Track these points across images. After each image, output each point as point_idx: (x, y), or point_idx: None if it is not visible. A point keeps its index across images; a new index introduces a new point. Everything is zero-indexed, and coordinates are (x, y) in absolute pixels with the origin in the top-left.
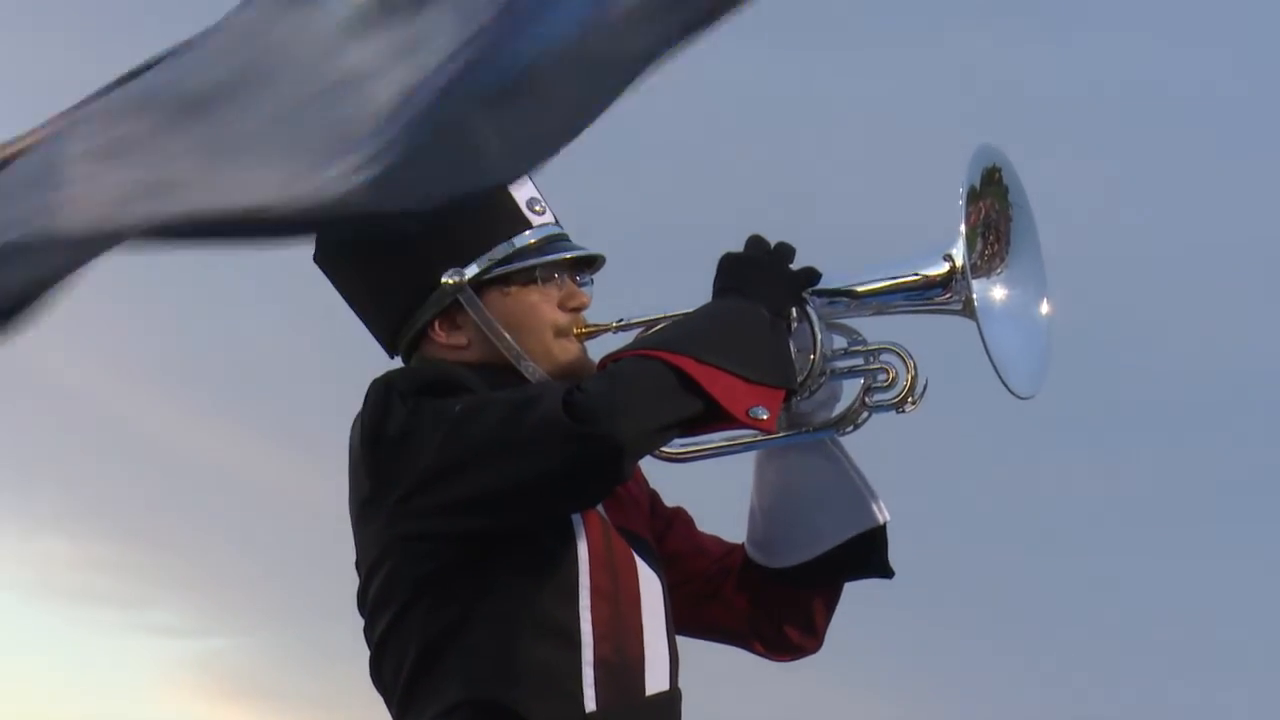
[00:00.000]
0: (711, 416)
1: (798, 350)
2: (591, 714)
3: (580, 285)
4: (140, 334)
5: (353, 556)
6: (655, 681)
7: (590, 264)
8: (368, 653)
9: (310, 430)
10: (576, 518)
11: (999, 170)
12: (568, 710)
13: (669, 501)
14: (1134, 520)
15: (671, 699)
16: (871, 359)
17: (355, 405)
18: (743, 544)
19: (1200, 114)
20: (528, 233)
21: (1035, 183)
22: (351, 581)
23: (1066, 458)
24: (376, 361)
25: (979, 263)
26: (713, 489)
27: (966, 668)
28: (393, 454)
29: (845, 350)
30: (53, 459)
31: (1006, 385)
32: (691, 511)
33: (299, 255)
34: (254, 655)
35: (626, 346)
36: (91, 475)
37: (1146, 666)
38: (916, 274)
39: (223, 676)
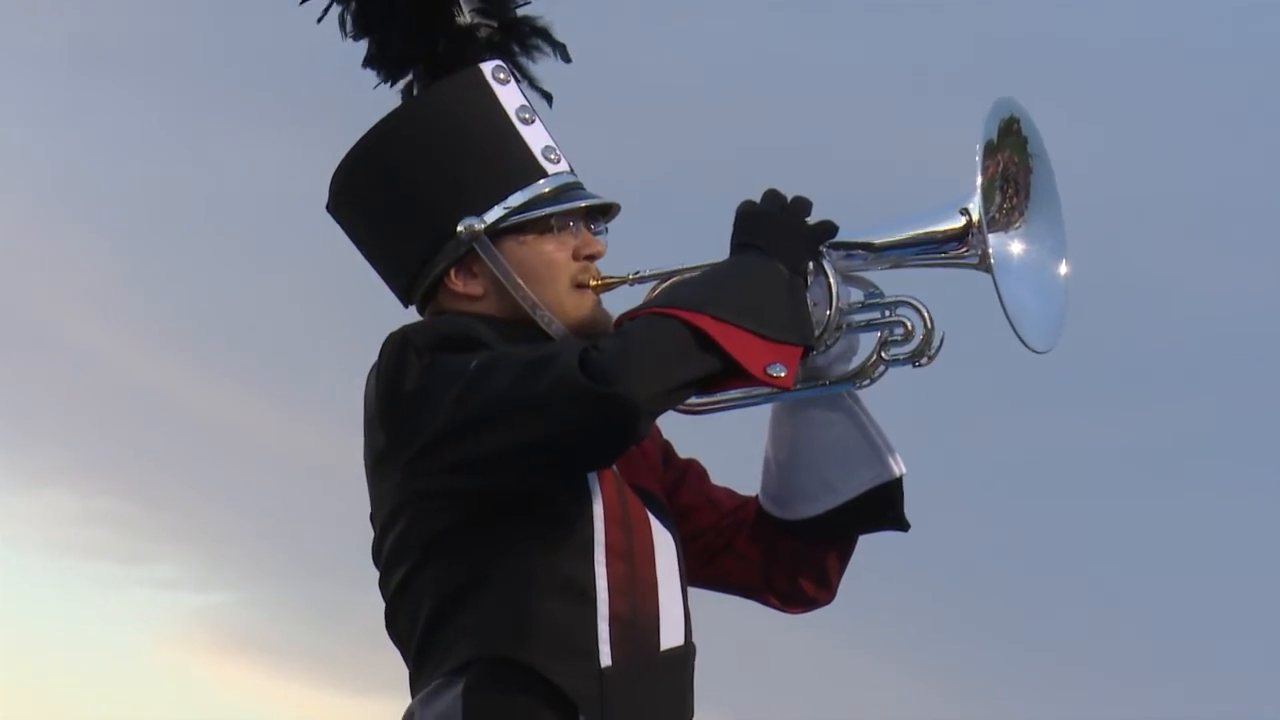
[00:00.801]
0: (729, 374)
1: (814, 304)
2: (606, 669)
3: (595, 234)
4: (146, 290)
5: (355, 511)
6: (670, 637)
7: (605, 213)
8: (380, 605)
9: (313, 386)
10: (591, 475)
11: (1017, 121)
12: (583, 666)
13: (682, 453)
14: (1151, 472)
15: (686, 654)
16: (888, 312)
17: (358, 362)
18: (756, 496)
19: (1214, 63)
20: (543, 181)
21: (1051, 135)
22: (353, 536)
23: (1084, 411)
24: (378, 319)
25: (997, 216)
26: (727, 440)
27: (978, 620)
28: (408, 410)
29: (862, 304)
30: (56, 413)
31: (1022, 339)
32: (705, 462)
33: (303, 211)
34: (256, 609)
35: (643, 304)
36: (95, 430)
37: (1165, 616)
38: (933, 228)
39: (225, 630)
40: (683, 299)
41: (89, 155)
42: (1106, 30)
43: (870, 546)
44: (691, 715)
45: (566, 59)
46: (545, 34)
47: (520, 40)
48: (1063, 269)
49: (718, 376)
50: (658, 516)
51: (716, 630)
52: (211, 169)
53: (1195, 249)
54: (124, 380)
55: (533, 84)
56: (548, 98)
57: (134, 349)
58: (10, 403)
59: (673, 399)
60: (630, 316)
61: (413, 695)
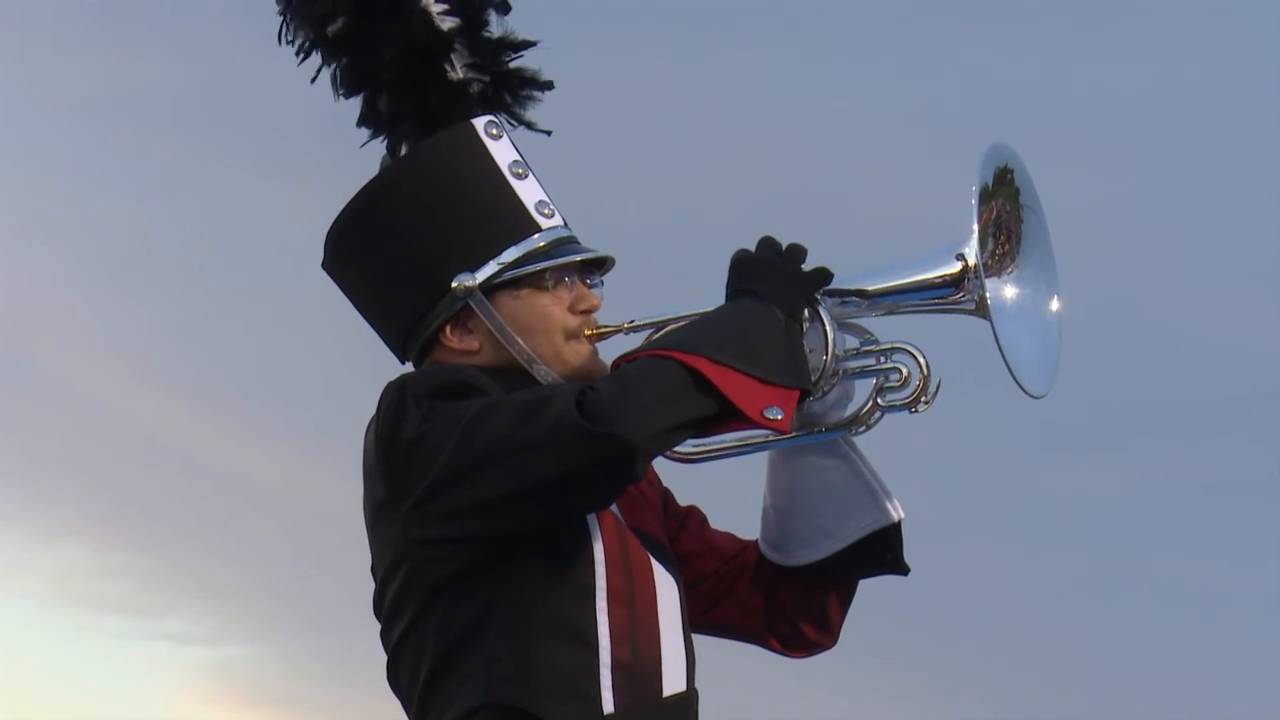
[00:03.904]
0: (726, 416)
1: (810, 350)
2: (609, 716)
3: (590, 287)
4: (162, 343)
5: (369, 563)
6: (672, 683)
7: (600, 265)
8: (384, 658)
9: (328, 439)
10: (592, 519)
11: (1011, 171)
12: (586, 713)
13: (682, 500)
14: (1144, 519)
15: (688, 700)
16: (884, 359)
17: (372, 412)
18: (756, 541)
19: (1215, 114)
20: (537, 236)
21: (1045, 182)
22: (368, 589)
23: (1078, 457)
24: (392, 368)
25: (990, 262)
26: (725, 487)
27: (978, 666)
28: (407, 458)
29: (858, 350)
30: (74, 466)
31: (1020, 384)
32: (704, 510)
33: (317, 267)
34: (271, 663)
35: (640, 347)
36: (111, 484)
37: (1156, 663)
38: (929, 273)
39: (240, 684)
40: (679, 341)
41: (107, 207)
42: (1126, 78)
43: (872, 591)
44: None
45: (550, 87)
46: (535, 81)
47: (512, 92)
48: (1055, 314)
49: (714, 418)
50: (660, 560)
51: (721, 675)
52: (231, 222)
53: (1213, 298)
54: (140, 434)
55: (529, 126)
56: (547, 133)
57: (150, 403)
58: (27, 457)
59: (669, 440)
60: (627, 359)
61: None
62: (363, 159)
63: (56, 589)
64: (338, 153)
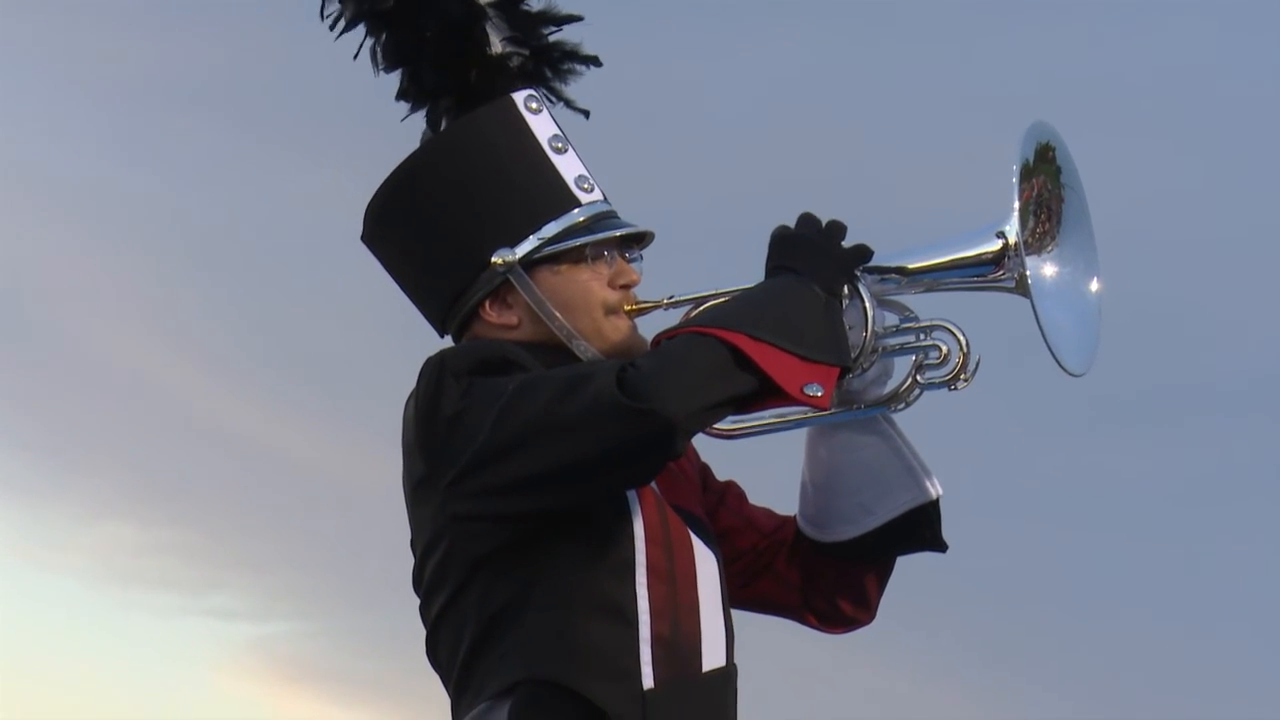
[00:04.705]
0: (765, 394)
1: (850, 327)
2: (649, 691)
3: (630, 262)
4: (205, 319)
5: (409, 538)
6: (712, 658)
7: (639, 240)
8: (424, 633)
9: (369, 415)
10: (632, 495)
11: (1052, 149)
12: (625, 688)
13: (720, 476)
14: (1186, 500)
15: (728, 674)
16: (924, 336)
17: (411, 388)
18: (794, 516)
19: (1261, 96)
20: (576, 210)
21: (1090, 161)
22: (408, 564)
23: (1120, 436)
24: (431, 344)
25: (1030, 240)
26: (764, 463)
27: (1017, 645)
28: (446, 434)
29: (897, 327)
30: (116, 444)
31: (1059, 362)
32: (743, 485)
33: (353, 246)
34: (315, 638)
35: (680, 324)
36: (155, 460)
37: (1205, 644)
38: (969, 251)
39: (284, 660)
40: (719, 318)
41: (145, 187)
42: (1157, 60)
43: (910, 568)
44: None
45: (598, 64)
46: (576, 55)
47: (552, 65)
48: (1095, 292)
49: (754, 395)
50: (700, 536)
51: (761, 650)
52: (269, 202)
53: (1264, 275)
54: (183, 412)
55: (568, 104)
56: (585, 114)
57: (192, 381)
58: (70, 435)
59: (709, 417)
60: (667, 335)
61: None
62: (400, 139)
63: (100, 566)
64: (374, 133)
